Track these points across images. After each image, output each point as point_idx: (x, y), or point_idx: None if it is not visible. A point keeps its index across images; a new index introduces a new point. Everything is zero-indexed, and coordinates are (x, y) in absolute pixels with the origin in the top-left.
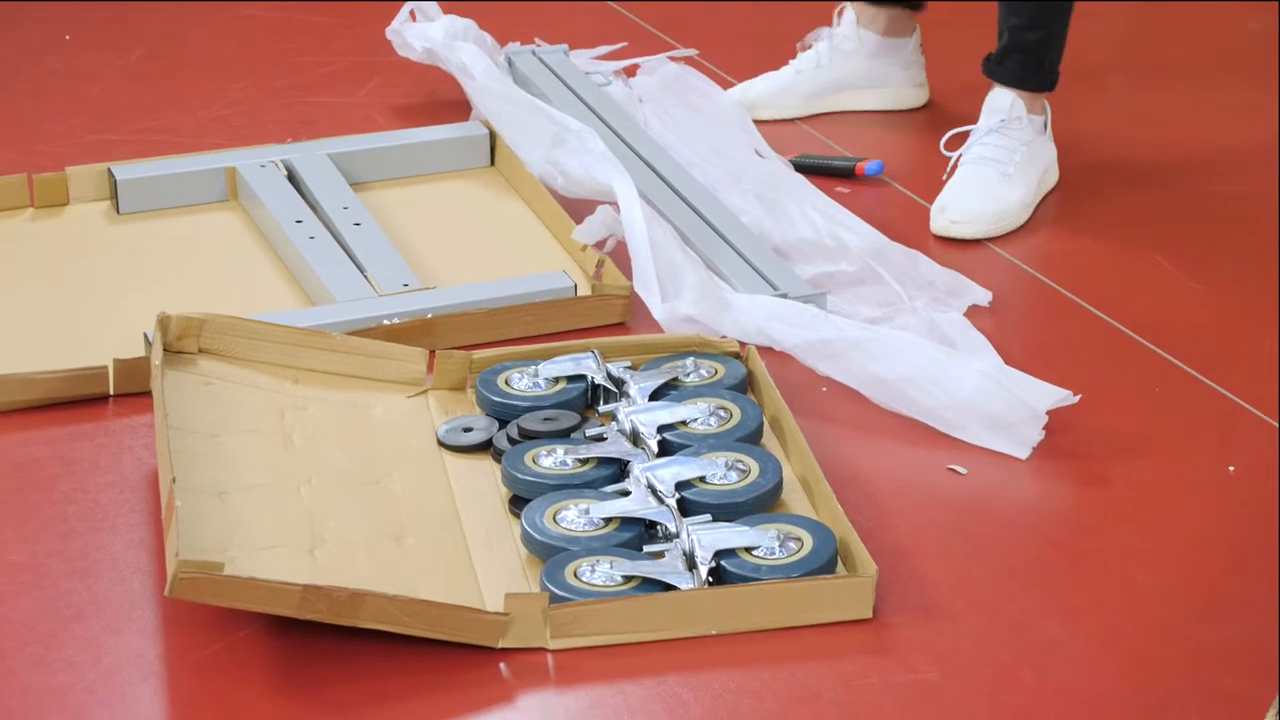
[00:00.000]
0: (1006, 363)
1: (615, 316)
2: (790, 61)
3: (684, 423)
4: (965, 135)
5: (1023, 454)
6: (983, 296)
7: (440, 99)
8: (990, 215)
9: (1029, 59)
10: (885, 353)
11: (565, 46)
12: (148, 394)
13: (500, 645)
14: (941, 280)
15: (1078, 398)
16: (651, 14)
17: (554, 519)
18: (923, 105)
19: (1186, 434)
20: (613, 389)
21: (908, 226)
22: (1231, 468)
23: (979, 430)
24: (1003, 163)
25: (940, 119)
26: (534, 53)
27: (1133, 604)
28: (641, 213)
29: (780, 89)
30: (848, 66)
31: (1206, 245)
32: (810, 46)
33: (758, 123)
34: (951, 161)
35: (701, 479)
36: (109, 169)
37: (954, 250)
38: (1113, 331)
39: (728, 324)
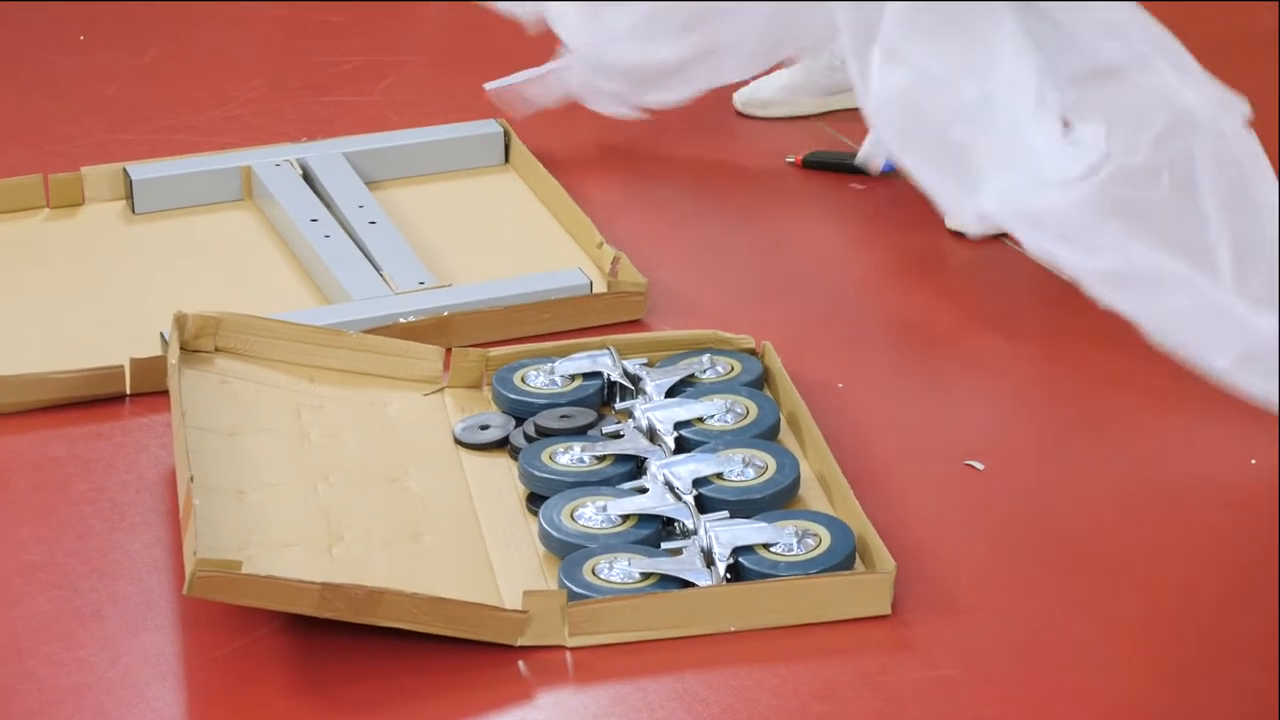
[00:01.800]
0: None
1: (631, 313)
2: (802, 60)
3: (701, 419)
4: None
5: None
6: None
7: (455, 97)
8: (792, 87)
9: None
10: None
11: None
12: (164, 393)
13: (519, 643)
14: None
15: None
16: None
17: (571, 516)
18: None
19: (1206, 430)
20: (629, 386)
21: (923, 223)
22: (1253, 461)
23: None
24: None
25: None
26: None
27: (1153, 599)
28: None
29: (793, 87)
30: None
31: None
32: None
33: (770, 120)
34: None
35: (719, 475)
36: (124, 169)
37: (968, 245)
38: (1129, 327)
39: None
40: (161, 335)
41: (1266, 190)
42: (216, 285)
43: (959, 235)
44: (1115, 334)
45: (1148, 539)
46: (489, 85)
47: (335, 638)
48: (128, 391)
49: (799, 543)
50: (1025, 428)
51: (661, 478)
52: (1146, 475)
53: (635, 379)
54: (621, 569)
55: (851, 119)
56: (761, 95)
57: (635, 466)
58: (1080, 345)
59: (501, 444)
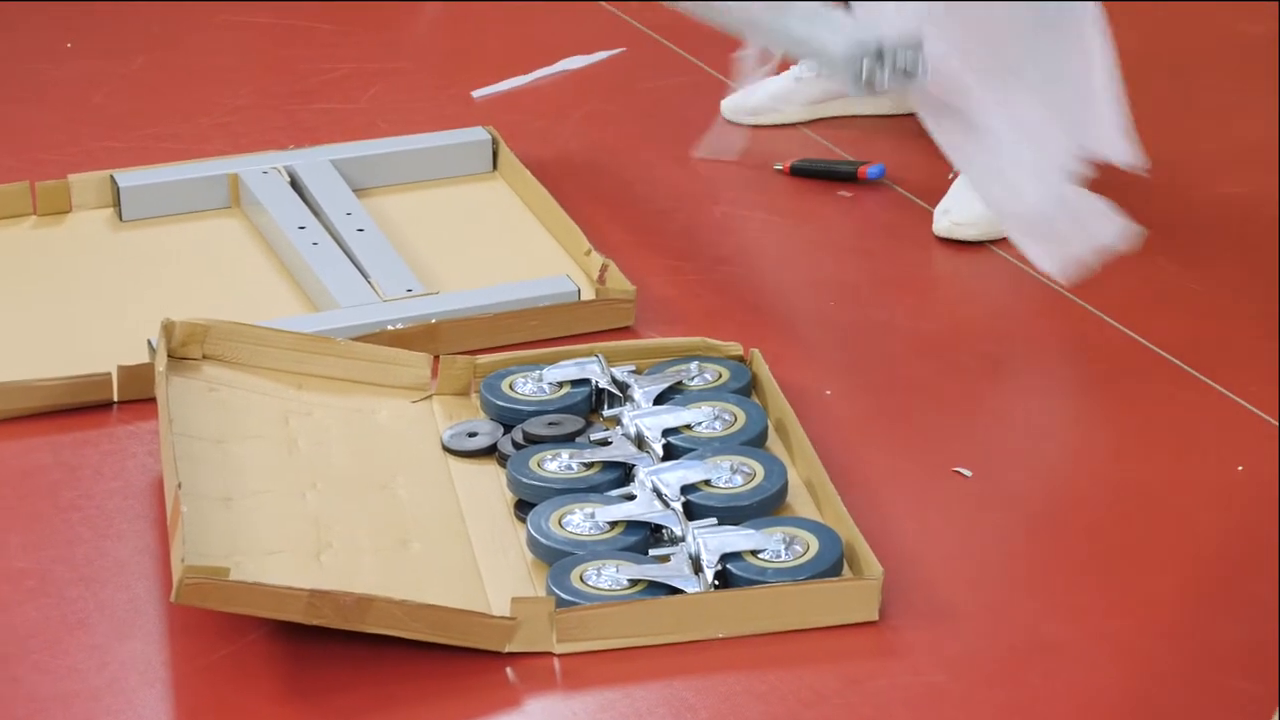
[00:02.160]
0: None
1: (619, 321)
2: (790, 68)
3: (689, 426)
4: None
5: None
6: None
7: (442, 105)
8: (993, 218)
9: None
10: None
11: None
12: (152, 400)
13: (507, 649)
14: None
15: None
16: (650, 18)
17: (559, 523)
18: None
19: (1193, 435)
20: (617, 393)
21: (910, 229)
22: (1240, 467)
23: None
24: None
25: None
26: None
27: (1140, 606)
28: None
29: (781, 96)
30: None
31: (1208, 248)
32: None
33: (759, 129)
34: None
35: (707, 482)
36: (111, 176)
37: (955, 252)
38: (1115, 334)
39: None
40: (149, 342)
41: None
42: (204, 292)
43: (947, 242)
44: (1101, 342)
45: (1135, 544)
46: (476, 93)
47: (323, 645)
48: (115, 399)
49: (787, 549)
50: (1012, 434)
51: (649, 485)
52: (1133, 481)
53: (623, 386)
54: (609, 576)
55: (840, 126)
56: (750, 103)
57: (623, 473)
58: (1066, 352)
59: (490, 451)
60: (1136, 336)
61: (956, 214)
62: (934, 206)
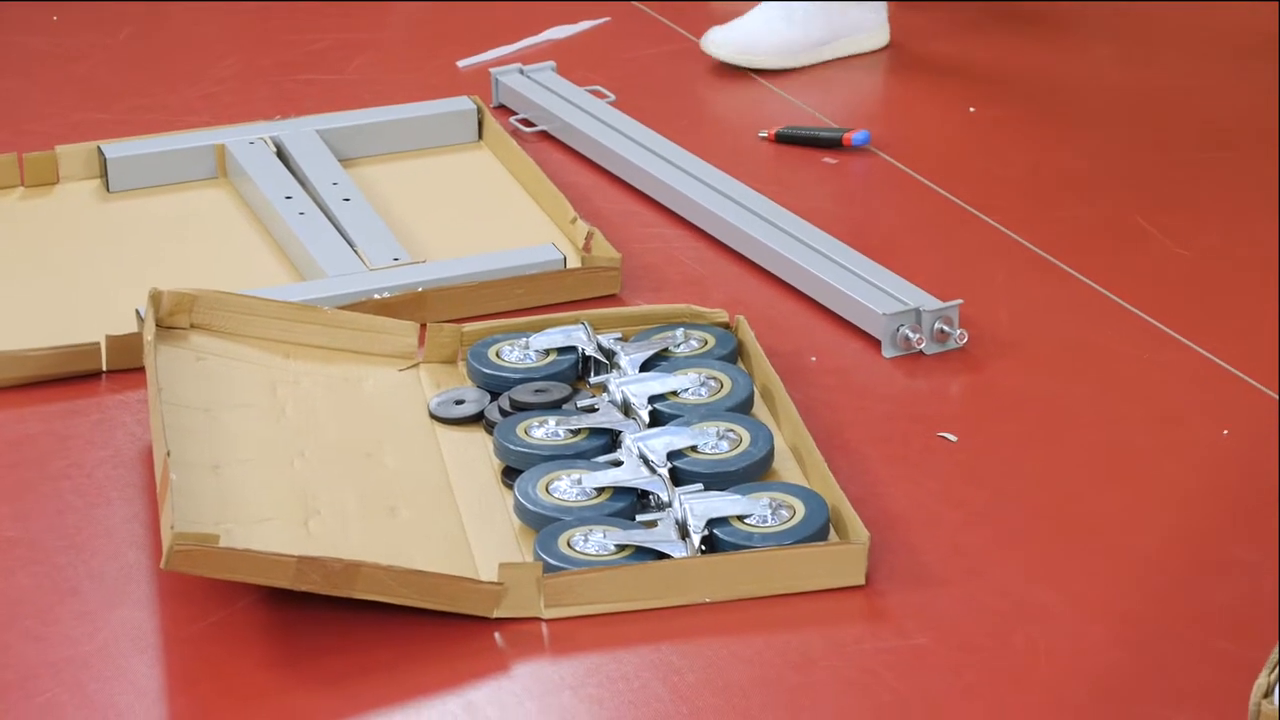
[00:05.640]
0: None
1: (605, 289)
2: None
3: (675, 393)
4: None
5: None
6: None
7: (428, 75)
8: (749, 45)
9: None
10: None
11: (553, 63)
12: (140, 370)
13: (495, 615)
14: None
15: None
16: (667, 9)
17: (546, 489)
18: (885, 46)
19: (1178, 399)
20: (603, 360)
21: (896, 196)
22: (1225, 431)
23: None
24: (792, 9)
25: (923, 79)
26: (521, 71)
27: (1124, 569)
28: None
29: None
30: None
31: (1189, 209)
32: None
33: (743, 96)
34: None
35: (693, 448)
36: (98, 147)
37: (941, 218)
38: (1096, 295)
39: None
40: (137, 312)
41: None
42: (191, 262)
43: (928, 204)
44: (1087, 302)
45: (1119, 508)
46: (462, 63)
47: (312, 611)
48: (104, 368)
49: (773, 514)
50: (997, 399)
51: (636, 451)
52: (1117, 444)
53: (609, 353)
54: (597, 541)
55: (824, 92)
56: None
57: (610, 440)
58: (1051, 314)
59: (476, 418)
60: (1118, 299)
61: (716, 35)
62: (919, 173)
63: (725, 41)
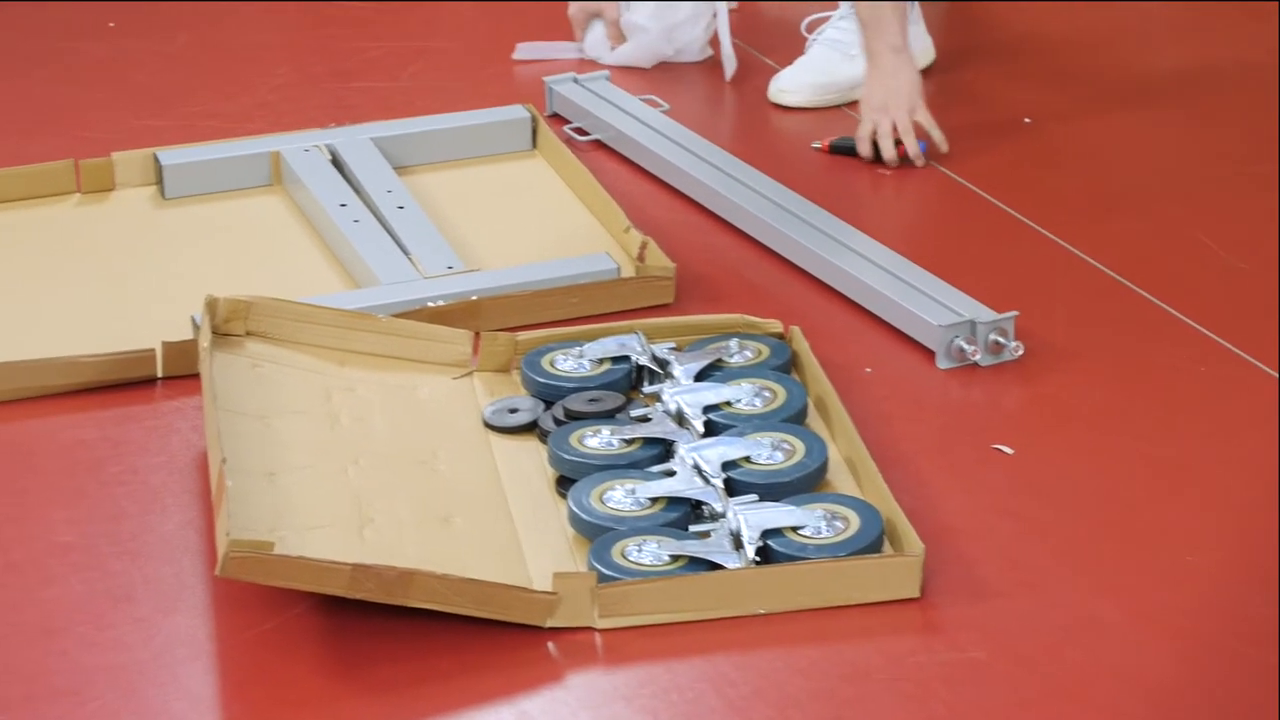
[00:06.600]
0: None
1: (659, 298)
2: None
3: (729, 403)
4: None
5: None
6: None
7: (482, 83)
8: (818, 86)
9: None
10: None
11: (607, 73)
12: (195, 376)
13: (548, 624)
14: None
15: None
16: None
17: (600, 499)
18: (931, 63)
19: (1237, 413)
20: (657, 370)
21: (950, 207)
22: None
23: None
24: (848, 44)
25: (976, 92)
26: (575, 79)
27: (1183, 584)
28: None
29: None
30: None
31: (1244, 222)
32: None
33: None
34: (808, 43)
35: (747, 459)
36: (154, 154)
37: (998, 232)
38: (1153, 308)
39: None
40: (193, 319)
41: None
42: (246, 270)
43: (976, 214)
44: (1144, 315)
45: (1178, 522)
46: (519, 47)
47: (366, 618)
48: (159, 375)
49: (828, 525)
50: (1053, 411)
51: (690, 461)
52: (1175, 458)
53: (663, 363)
54: (651, 551)
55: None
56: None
57: (663, 450)
58: (1108, 327)
59: (530, 427)
60: (1175, 312)
61: (783, 80)
62: (976, 186)
63: (793, 88)
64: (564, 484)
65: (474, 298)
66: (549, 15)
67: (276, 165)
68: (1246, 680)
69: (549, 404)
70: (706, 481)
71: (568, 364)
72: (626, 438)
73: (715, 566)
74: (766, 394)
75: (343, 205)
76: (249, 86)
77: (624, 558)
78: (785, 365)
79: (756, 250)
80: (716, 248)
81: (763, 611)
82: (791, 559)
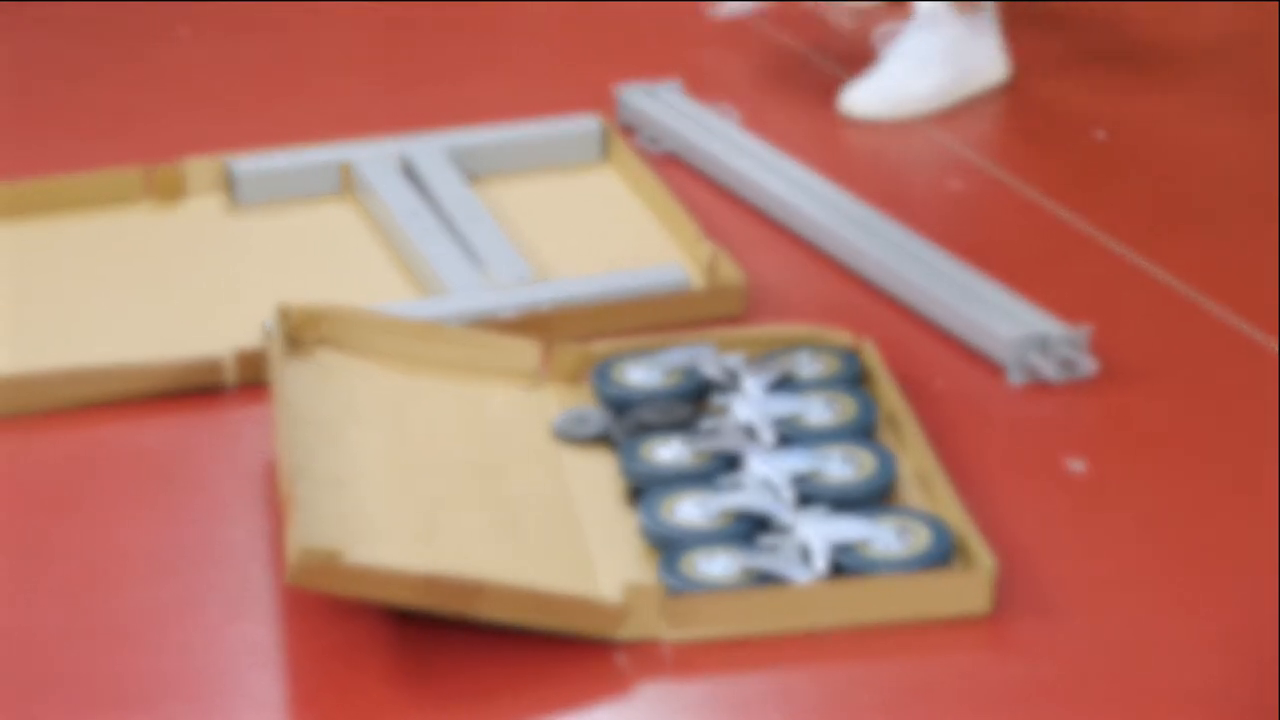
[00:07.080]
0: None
1: (730, 309)
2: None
3: (799, 416)
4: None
5: None
6: None
7: (555, 93)
8: (891, 100)
9: None
10: None
11: (679, 82)
12: (265, 384)
13: (617, 636)
14: None
15: None
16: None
17: (670, 510)
18: (1007, 78)
19: None
20: (728, 382)
21: (1022, 221)
22: None
23: None
24: (922, 56)
25: (1050, 106)
26: (646, 90)
27: (1257, 607)
28: None
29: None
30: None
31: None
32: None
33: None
34: (880, 55)
35: (817, 472)
36: (225, 161)
37: (1069, 252)
38: (1230, 328)
39: None
40: (265, 326)
41: None
42: (316, 277)
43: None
44: (1220, 333)
45: (1253, 544)
46: (715, 9)
47: (433, 628)
48: (230, 382)
49: (898, 539)
50: (1127, 429)
51: (760, 473)
52: (1250, 479)
53: (734, 374)
54: (720, 564)
55: (968, 127)
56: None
57: (734, 462)
58: (1183, 344)
59: (601, 438)
60: (1251, 330)
61: (856, 93)
62: (1048, 197)
63: (866, 102)
64: (634, 495)
65: (544, 308)
66: (625, 20)
67: (348, 173)
68: None
69: (619, 414)
70: (776, 494)
71: (639, 375)
72: (697, 449)
73: (785, 580)
74: (837, 407)
75: (414, 214)
76: (321, 93)
77: (694, 570)
78: (856, 378)
79: (826, 263)
80: (787, 259)
81: (832, 626)
82: (861, 573)
